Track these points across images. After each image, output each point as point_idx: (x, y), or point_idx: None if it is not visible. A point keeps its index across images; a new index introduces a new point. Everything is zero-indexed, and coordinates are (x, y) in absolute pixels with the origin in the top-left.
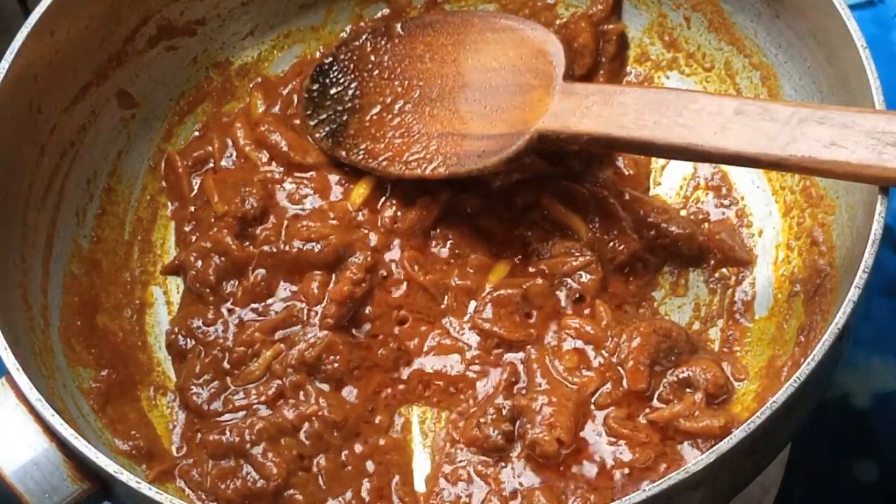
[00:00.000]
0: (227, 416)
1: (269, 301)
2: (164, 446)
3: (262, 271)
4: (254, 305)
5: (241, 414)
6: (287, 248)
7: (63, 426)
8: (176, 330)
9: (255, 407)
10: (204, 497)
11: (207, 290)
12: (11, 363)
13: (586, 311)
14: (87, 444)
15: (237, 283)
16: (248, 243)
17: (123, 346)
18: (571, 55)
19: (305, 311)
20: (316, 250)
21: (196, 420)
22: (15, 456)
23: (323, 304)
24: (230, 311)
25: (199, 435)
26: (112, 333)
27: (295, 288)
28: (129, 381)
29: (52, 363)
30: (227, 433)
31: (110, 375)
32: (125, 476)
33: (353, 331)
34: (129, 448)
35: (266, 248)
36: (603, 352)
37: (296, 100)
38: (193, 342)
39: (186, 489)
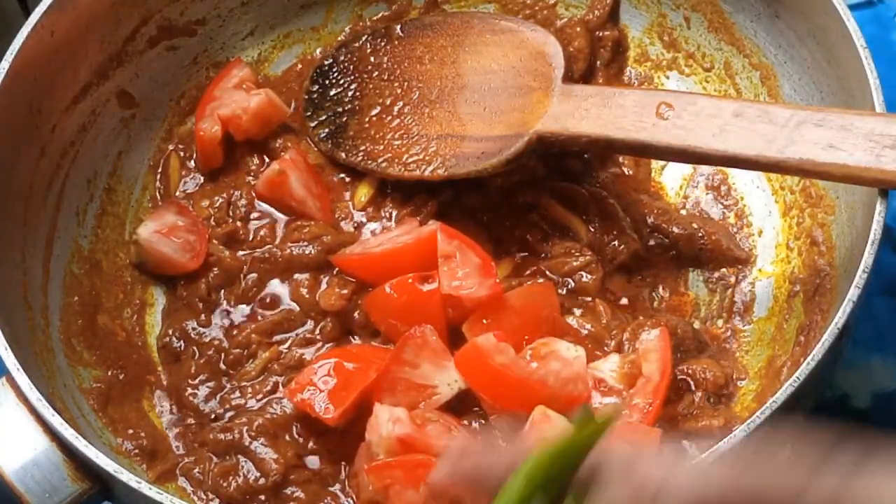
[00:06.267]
0: (224, 415)
1: (261, 302)
2: (167, 445)
3: (253, 275)
4: (245, 308)
5: (238, 412)
6: (280, 252)
7: (63, 426)
8: (170, 332)
9: (252, 405)
10: (206, 496)
11: (197, 300)
12: (11, 363)
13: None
14: (88, 444)
15: (228, 290)
16: (240, 251)
17: (126, 346)
18: (567, 59)
19: (301, 314)
20: (308, 252)
21: (192, 419)
22: (15, 455)
23: (316, 311)
24: (224, 313)
25: (197, 433)
26: (113, 333)
27: (287, 288)
28: (134, 382)
29: (53, 363)
30: (227, 430)
31: (116, 376)
32: (125, 476)
33: (353, 333)
34: (133, 447)
35: (258, 253)
36: (605, 348)
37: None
38: (187, 344)
39: (188, 487)
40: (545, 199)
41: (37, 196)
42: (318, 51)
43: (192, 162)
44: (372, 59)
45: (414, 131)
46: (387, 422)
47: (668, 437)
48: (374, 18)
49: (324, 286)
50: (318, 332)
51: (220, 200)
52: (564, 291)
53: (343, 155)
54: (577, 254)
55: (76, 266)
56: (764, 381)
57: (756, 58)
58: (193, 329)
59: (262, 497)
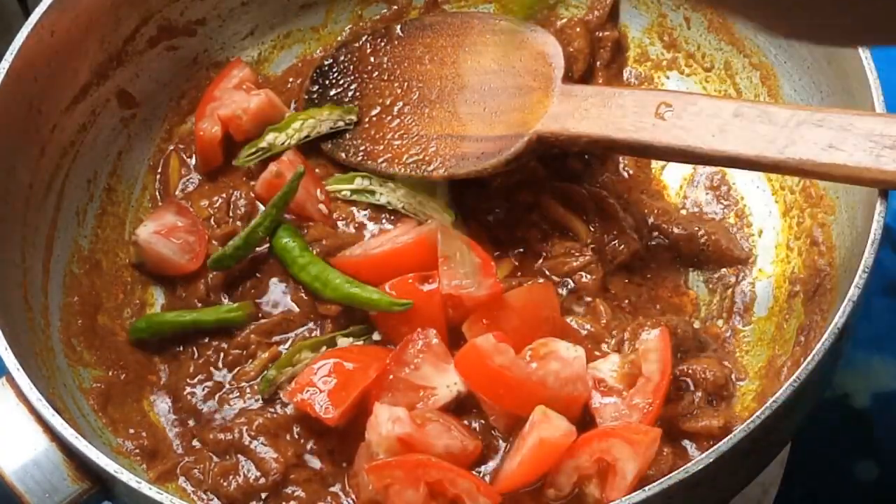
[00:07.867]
0: (223, 415)
1: (260, 302)
2: (168, 445)
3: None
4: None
5: (237, 411)
6: None
7: (63, 426)
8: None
9: (251, 405)
10: (206, 496)
11: (196, 300)
12: (11, 363)
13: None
14: (88, 444)
15: (227, 291)
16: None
17: (126, 346)
18: (567, 59)
19: (301, 315)
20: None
21: (192, 419)
22: (15, 455)
23: (315, 313)
24: None
25: (197, 433)
26: (113, 333)
27: (285, 287)
28: (134, 382)
29: (53, 363)
30: (227, 430)
31: (117, 376)
32: (125, 476)
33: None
34: (133, 447)
35: (258, 253)
36: (604, 348)
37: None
38: (187, 344)
39: (188, 487)
40: (545, 199)
41: (37, 196)
42: (318, 51)
43: (193, 162)
44: (372, 59)
45: (414, 131)
46: (387, 421)
47: (668, 437)
48: (374, 18)
49: None
50: (317, 332)
51: (220, 200)
52: (564, 291)
53: (343, 155)
54: (577, 254)
55: (76, 266)
56: (764, 381)
57: (756, 58)
58: None
59: (263, 496)
